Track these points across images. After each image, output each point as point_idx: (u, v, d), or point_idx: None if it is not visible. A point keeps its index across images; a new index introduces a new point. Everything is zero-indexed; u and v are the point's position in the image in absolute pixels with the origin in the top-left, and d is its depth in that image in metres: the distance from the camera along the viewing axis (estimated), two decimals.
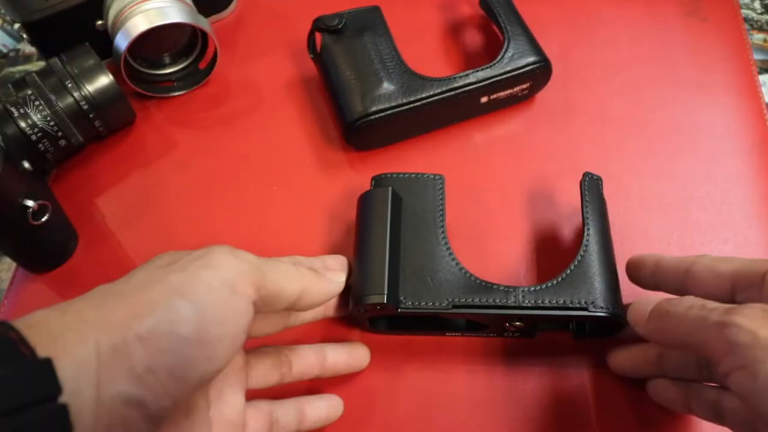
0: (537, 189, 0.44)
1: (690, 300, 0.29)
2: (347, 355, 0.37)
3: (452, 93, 0.44)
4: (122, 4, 0.46)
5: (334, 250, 0.42)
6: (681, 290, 0.33)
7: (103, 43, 0.47)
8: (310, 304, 0.32)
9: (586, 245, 0.36)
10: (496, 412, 0.37)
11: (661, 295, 0.33)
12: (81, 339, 0.24)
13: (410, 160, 0.46)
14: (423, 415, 0.37)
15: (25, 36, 0.47)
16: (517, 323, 0.36)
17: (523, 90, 0.46)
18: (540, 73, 0.46)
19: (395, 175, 0.40)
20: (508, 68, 0.44)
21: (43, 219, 0.40)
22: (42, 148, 0.43)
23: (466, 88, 0.44)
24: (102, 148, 0.48)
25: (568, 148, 0.46)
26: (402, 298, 0.35)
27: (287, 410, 0.34)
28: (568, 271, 0.35)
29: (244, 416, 0.32)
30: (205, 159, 0.47)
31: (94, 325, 0.24)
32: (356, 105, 0.43)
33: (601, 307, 0.34)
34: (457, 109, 0.46)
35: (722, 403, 0.31)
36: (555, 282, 0.35)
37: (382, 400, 0.37)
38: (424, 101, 0.43)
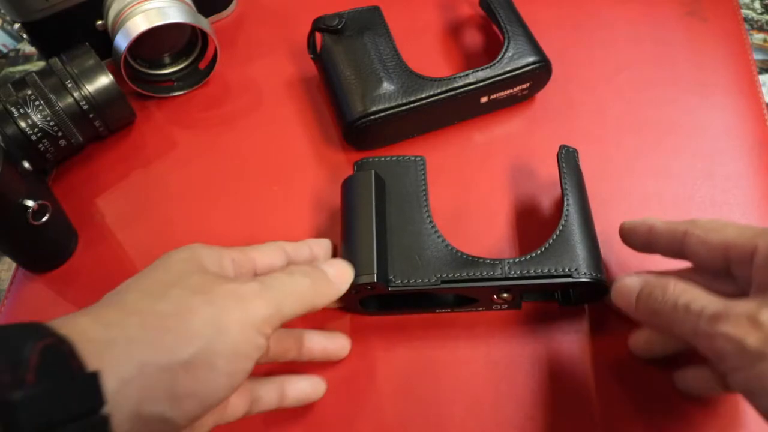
0: (523, 175, 0.44)
1: (674, 295, 0.30)
2: (326, 342, 0.37)
3: (452, 93, 0.44)
4: (122, 4, 0.46)
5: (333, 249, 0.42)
6: (677, 256, 0.34)
7: (103, 43, 0.47)
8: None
9: (566, 215, 0.37)
10: (487, 383, 0.37)
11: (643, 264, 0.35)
12: (126, 356, 0.25)
13: None
14: (415, 391, 0.37)
15: (25, 36, 0.47)
16: (505, 295, 0.37)
17: (523, 90, 0.46)
18: (540, 73, 0.46)
19: (377, 159, 0.40)
20: (508, 68, 0.44)
21: (43, 219, 0.40)
22: (42, 148, 0.43)
23: (466, 88, 0.44)
24: (102, 148, 0.48)
25: None
26: (392, 276, 0.36)
27: (268, 389, 0.35)
28: (551, 241, 0.36)
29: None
30: (205, 159, 0.47)
31: (140, 345, 0.26)
32: (356, 105, 0.43)
33: (585, 273, 0.35)
34: (457, 109, 0.46)
35: None
36: (539, 252, 0.36)
37: (375, 379, 0.38)
38: (424, 101, 0.43)
